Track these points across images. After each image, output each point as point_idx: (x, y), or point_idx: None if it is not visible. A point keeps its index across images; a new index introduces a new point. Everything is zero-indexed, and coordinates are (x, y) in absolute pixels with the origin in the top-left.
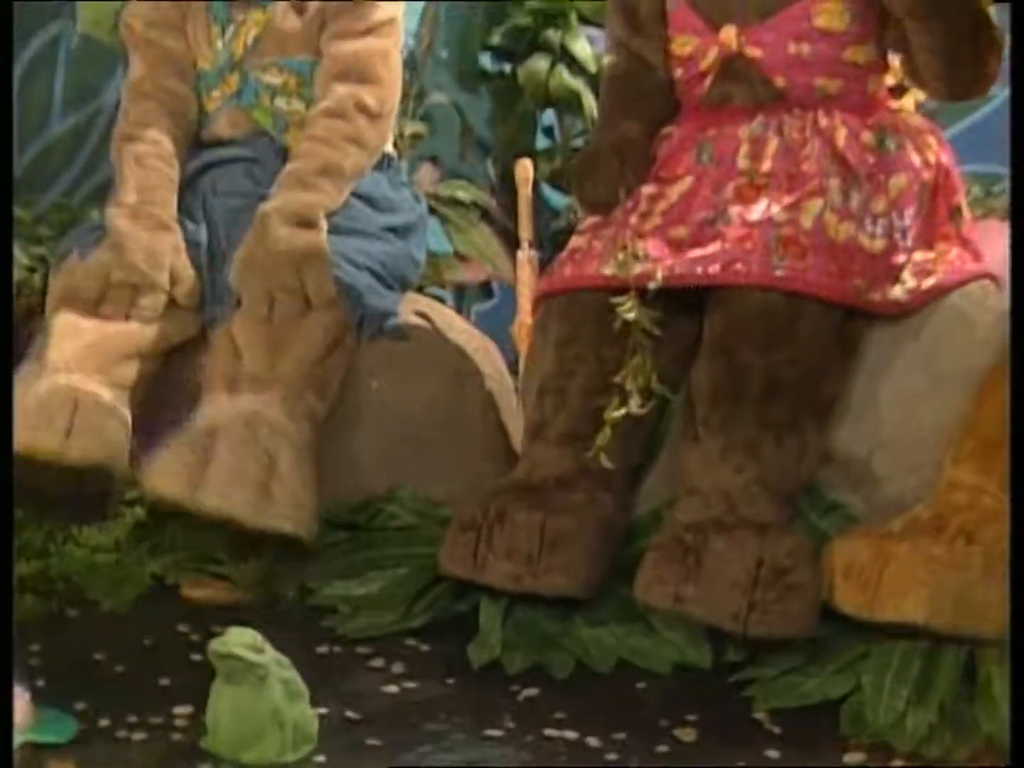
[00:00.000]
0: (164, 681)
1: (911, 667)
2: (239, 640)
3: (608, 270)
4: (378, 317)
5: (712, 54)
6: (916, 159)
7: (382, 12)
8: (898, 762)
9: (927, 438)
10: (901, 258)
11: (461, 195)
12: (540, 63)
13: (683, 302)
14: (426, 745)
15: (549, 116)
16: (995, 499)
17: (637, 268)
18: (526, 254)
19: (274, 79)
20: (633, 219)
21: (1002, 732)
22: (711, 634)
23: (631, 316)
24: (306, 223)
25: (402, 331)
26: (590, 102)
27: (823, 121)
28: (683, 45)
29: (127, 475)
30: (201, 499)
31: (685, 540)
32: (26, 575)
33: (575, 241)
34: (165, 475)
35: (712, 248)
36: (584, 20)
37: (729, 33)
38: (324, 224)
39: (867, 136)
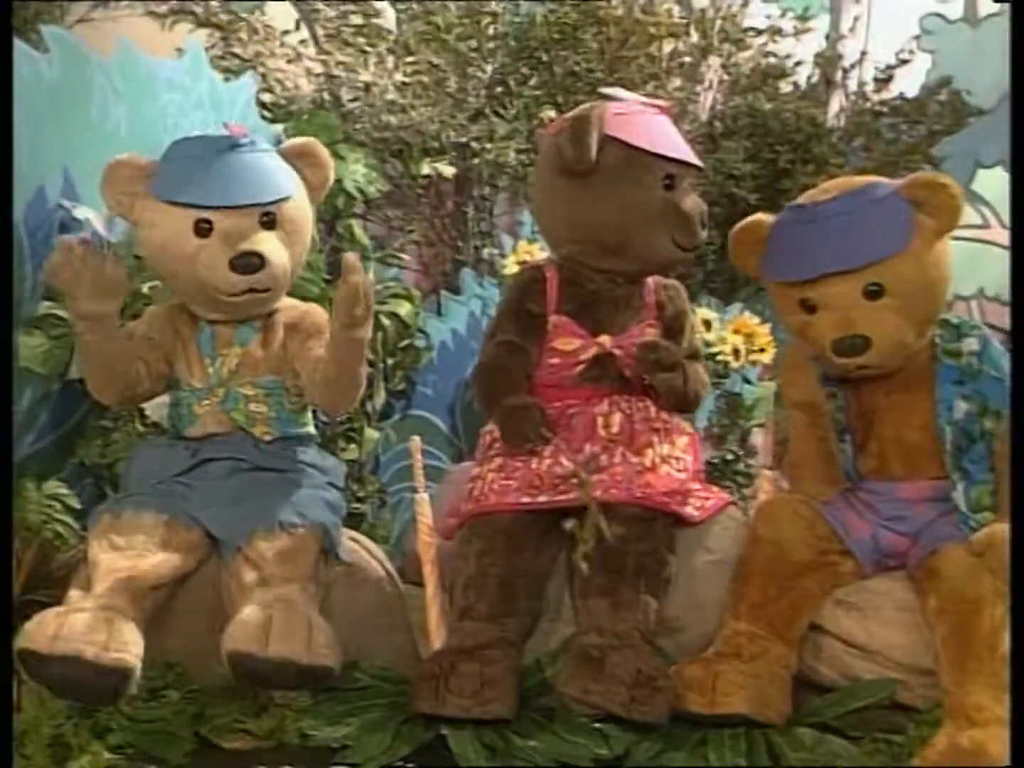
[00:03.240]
0: None
1: (740, 741)
2: None
3: (525, 498)
4: (339, 548)
5: (591, 351)
6: (686, 427)
7: None
8: None
9: (714, 601)
10: (690, 487)
11: None
12: None
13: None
14: None
15: None
16: (764, 639)
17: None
18: (420, 495)
19: (248, 391)
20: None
21: None
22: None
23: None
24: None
25: (350, 555)
26: None
27: (640, 406)
28: (567, 344)
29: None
30: (269, 651)
31: (592, 654)
32: (112, 745)
33: (484, 474)
34: (242, 636)
35: (594, 480)
36: None
37: (605, 339)
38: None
39: (664, 415)
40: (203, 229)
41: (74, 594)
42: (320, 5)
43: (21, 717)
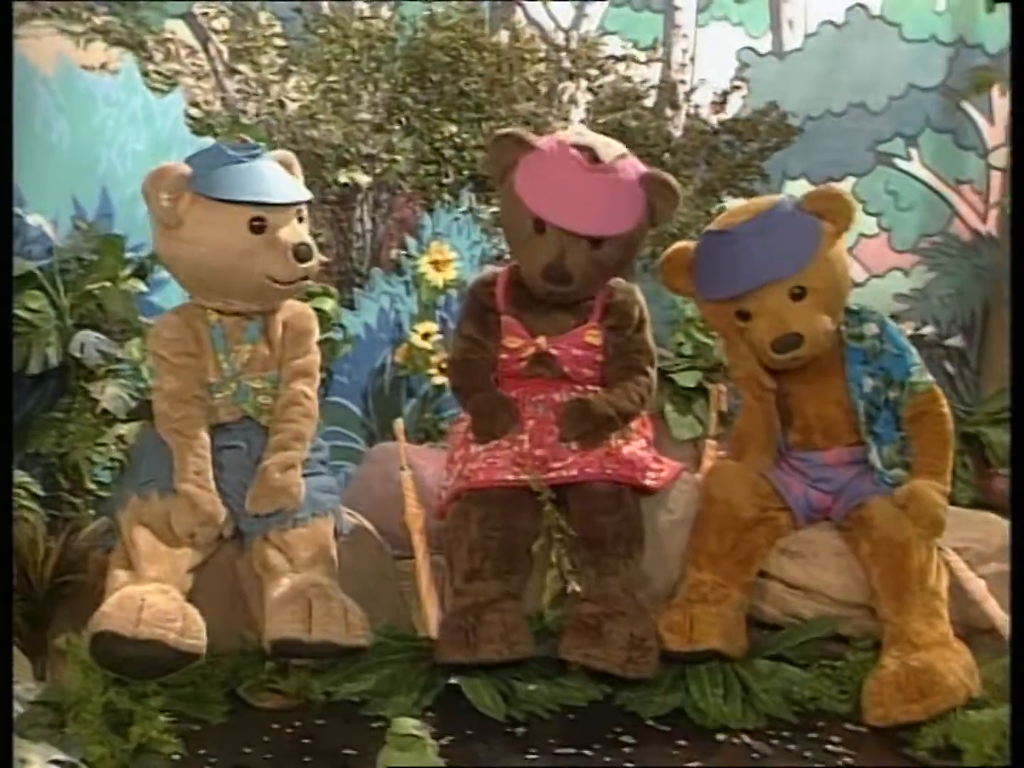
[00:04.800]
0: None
1: (716, 675)
2: (411, 724)
3: (510, 476)
4: (343, 523)
5: (530, 350)
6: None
7: (312, 341)
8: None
9: (675, 554)
10: (648, 461)
11: None
12: None
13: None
14: None
15: None
16: (723, 586)
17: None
18: (405, 472)
19: (257, 384)
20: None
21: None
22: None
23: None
24: (290, 468)
25: (352, 527)
26: None
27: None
28: (513, 342)
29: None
30: (312, 636)
31: (589, 623)
32: (157, 706)
33: (470, 456)
34: (285, 624)
35: (570, 461)
36: None
37: (542, 340)
38: (300, 469)
39: None
40: (257, 226)
41: (120, 574)
42: (224, 24)
43: (69, 688)
